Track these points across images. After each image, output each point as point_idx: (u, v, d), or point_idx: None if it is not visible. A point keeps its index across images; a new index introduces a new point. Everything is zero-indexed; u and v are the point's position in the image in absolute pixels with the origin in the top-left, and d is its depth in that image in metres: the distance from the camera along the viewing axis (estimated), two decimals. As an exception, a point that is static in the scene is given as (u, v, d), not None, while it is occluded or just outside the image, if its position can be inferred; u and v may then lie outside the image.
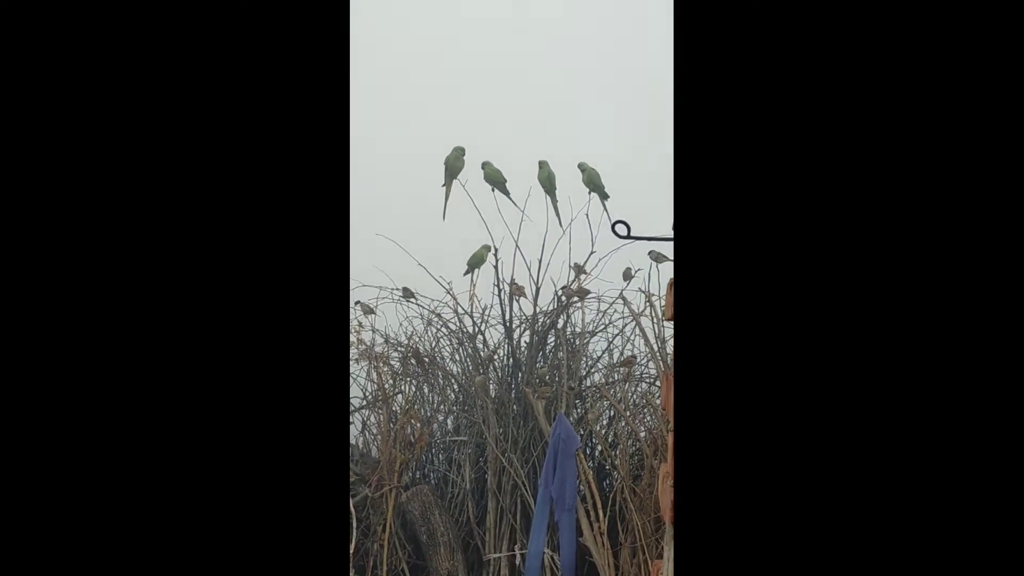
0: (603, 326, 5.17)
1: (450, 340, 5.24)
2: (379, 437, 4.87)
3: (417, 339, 5.22)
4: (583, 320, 5.19)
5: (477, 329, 5.13)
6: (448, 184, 4.80)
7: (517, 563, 4.31)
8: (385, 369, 5.04)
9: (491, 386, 4.99)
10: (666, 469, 2.03)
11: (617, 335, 5.13)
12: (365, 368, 4.96)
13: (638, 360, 4.95)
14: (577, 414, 4.95)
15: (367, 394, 5.02)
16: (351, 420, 4.90)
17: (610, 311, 5.11)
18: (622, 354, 5.09)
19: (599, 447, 4.88)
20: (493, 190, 4.83)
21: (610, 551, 4.13)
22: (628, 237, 2.19)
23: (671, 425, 1.96)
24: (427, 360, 5.17)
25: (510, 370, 5.03)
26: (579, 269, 4.97)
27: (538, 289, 4.95)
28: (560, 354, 5.00)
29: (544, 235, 4.86)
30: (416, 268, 4.88)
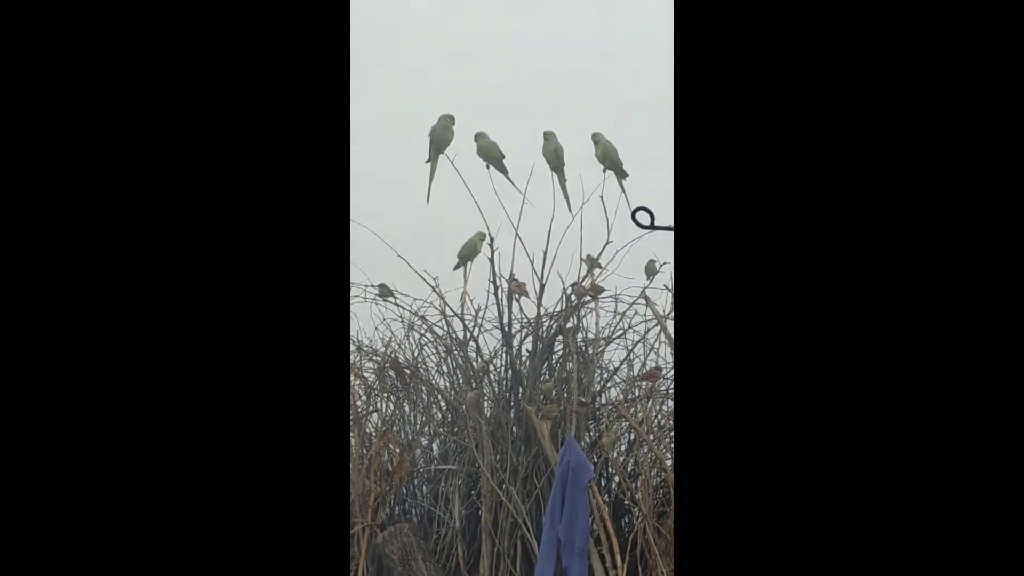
0: (621, 331, 4.97)
1: (436, 348, 5.06)
2: (350, 465, 4.55)
3: (396, 346, 5.03)
4: (597, 324, 4.95)
5: (469, 334, 4.92)
6: (434, 159, 4.56)
7: None
8: (358, 383, 4.81)
9: (486, 404, 4.77)
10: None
11: (638, 342, 4.94)
12: None
13: (664, 372, 4.73)
14: (590, 437, 4.76)
15: None
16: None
17: (630, 313, 4.93)
18: (644, 365, 4.90)
19: (616, 478, 4.67)
20: (488, 167, 4.60)
21: (630, 605, 4.01)
22: (651, 227, 2.23)
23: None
24: (408, 372, 4.97)
25: (509, 384, 4.84)
26: (592, 262, 4.74)
27: (543, 286, 4.73)
28: (569, 365, 4.79)
29: (550, 221, 4.63)
30: (395, 260, 4.68)
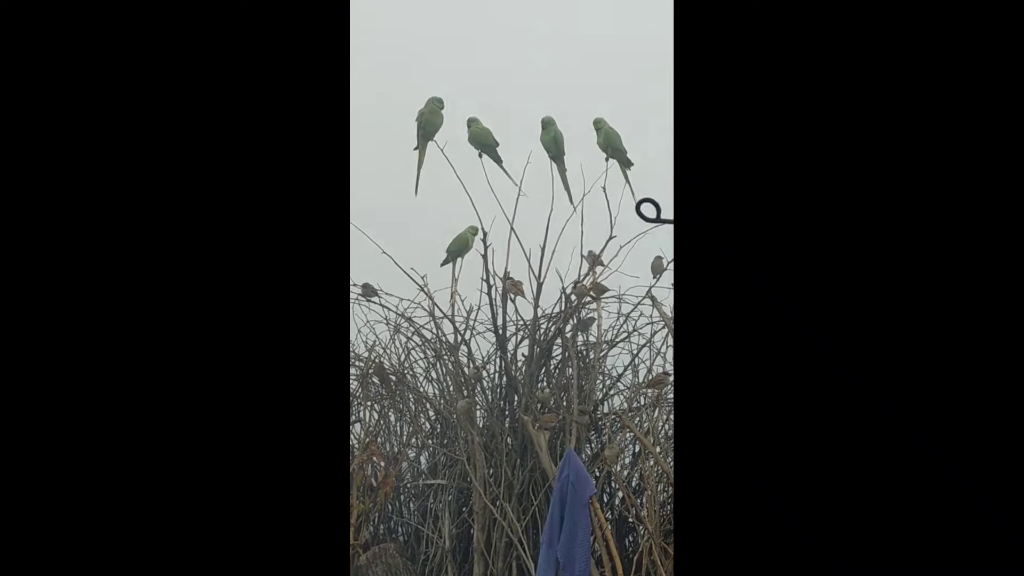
0: (625, 334, 4.95)
1: (424, 352, 5.04)
2: None
3: (381, 350, 5.00)
4: (599, 326, 4.92)
5: (460, 338, 4.88)
6: (422, 147, 4.53)
7: None
8: None
9: (478, 413, 4.75)
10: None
11: (644, 346, 4.92)
12: None
13: (671, 379, 4.67)
14: (591, 450, 4.74)
15: None
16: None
17: (635, 315, 4.91)
18: (650, 371, 4.90)
19: (620, 493, 4.66)
20: (481, 155, 4.58)
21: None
22: (657, 220, 2.24)
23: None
24: (394, 378, 4.94)
25: (503, 392, 4.82)
26: (594, 259, 4.71)
27: (540, 285, 4.70)
28: (569, 371, 4.76)
29: (548, 215, 4.59)
30: (379, 257, 4.65)
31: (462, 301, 4.85)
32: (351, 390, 4.85)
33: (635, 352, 4.95)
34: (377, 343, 5.00)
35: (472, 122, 4.57)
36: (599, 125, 4.51)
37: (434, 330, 4.94)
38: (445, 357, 4.93)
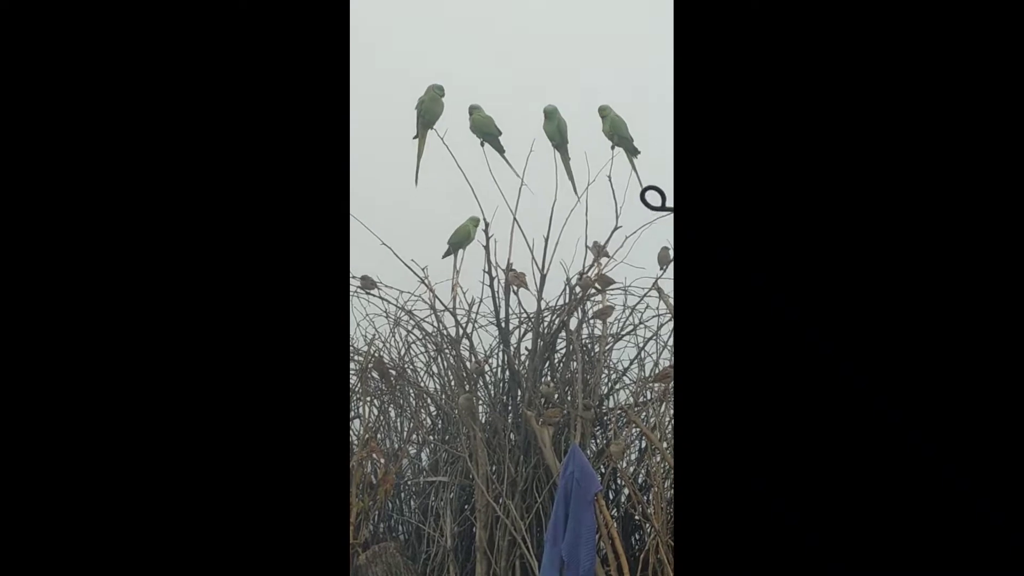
0: (631, 327, 4.93)
1: (425, 346, 5.01)
2: None
3: (381, 344, 4.97)
4: (604, 319, 4.90)
5: (461, 331, 4.86)
6: (422, 136, 4.52)
7: None
8: None
9: (480, 408, 4.74)
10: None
11: (650, 339, 4.89)
12: None
13: None
14: (596, 446, 4.73)
15: None
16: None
17: (641, 307, 4.89)
18: (657, 365, 4.86)
19: (626, 490, 4.67)
20: (483, 144, 4.56)
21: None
22: (663, 208, 2.24)
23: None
24: (394, 373, 4.92)
25: (506, 387, 4.80)
26: (599, 250, 4.69)
27: (544, 277, 4.68)
28: (573, 365, 4.74)
29: (552, 205, 4.57)
30: (379, 249, 4.62)
31: (464, 293, 4.83)
32: (350, 385, 4.83)
33: (641, 345, 4.93)
34: (377, 337, 4.98)
35: (474, 110, 4.56)
36: (604, 112, 4.49)
37: (435, 323, 4.92)
38: (446, 351, 4.92)
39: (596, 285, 4.75)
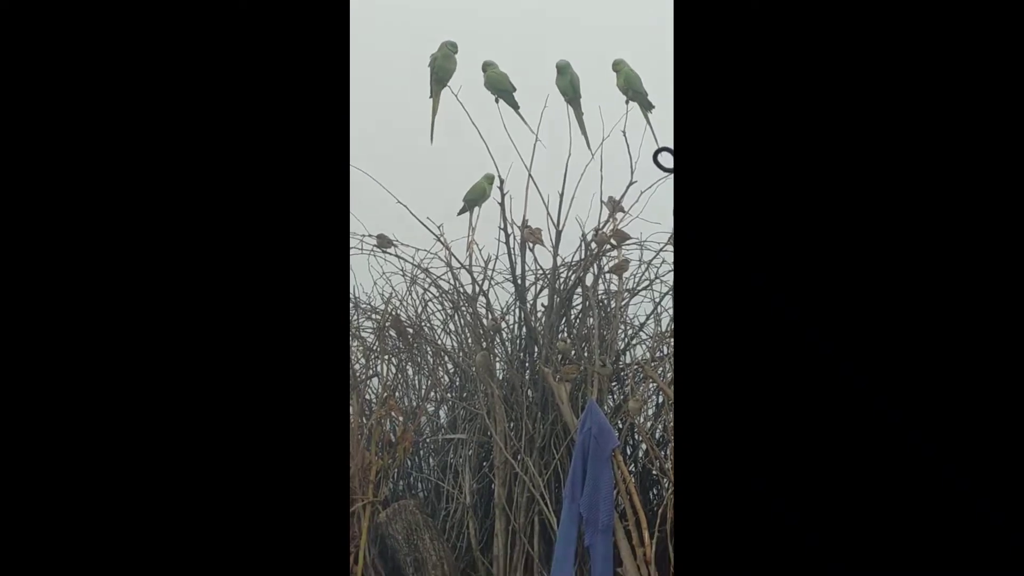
0: (648, 282, 4.88)
1: (442, 304, 4.99)
2: (348, 436, 4.43)
3: (398, 302, 4.94)
4: (621, 275, 4.84)
5: (478, 288, 4.83)
6: (436, 94, 4.47)
7: None
8: (355, 344, 4.73)
9: (498, 365, 4.71)
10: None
11: (667, 294, 4.83)
12: None
13: None
14: (614, 401, 4.69)
15: None
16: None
17: (657, 262, 4.85)
18: (673, 320, 4.68)
19: (643, 446, 4.59)
20: (497, 101, 4.51)
21: (659, 586, 3.90)
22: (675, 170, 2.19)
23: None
24: (411, 331, 4.89)
25: (523, 343, 4.76)
26: (615, 206, 4.64)
27: (559, 233, 4.64)
28: (590, 321, 4.70)
29: (567, 161, 4.51)
30: (395, 208, 4.56)
31: (480, 251, 4.79)
32: (368, 344, 4.81)
33: (658, 300, 4.86)
34: (394, 295, 4.93)
35: (488, 66, 4.50)
36: (619, 67, 4.43)
37: (451, 281, 4.88)
38: (463, 308, 4.87)
39: (612, 240, 4.70)
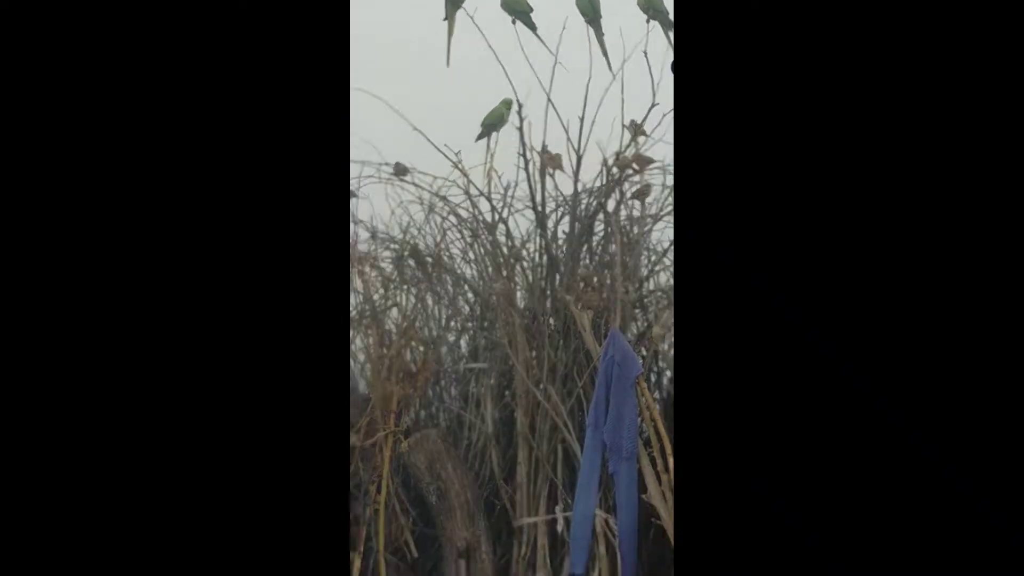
0: (671, 206, 4.72)
1: (461, 232, 4.93)
2: (368, 367, 4.53)
3: (416, 232, 4.94)
4: (643, 200, 4.79)
5: (497, 216, 4.78)
6: (451, 15, 4.40)
7: (559, 529, 4.08)
8: (373, 274, 4.73)
9: (519, 294, 4.69)
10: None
11: None
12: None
13: None
14: (637, 328, 4.66)
15: (350, 310, 4.63)
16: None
17: None
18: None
19: (668, 372, 4.59)
20: (515, 22, 4.44)
21: (684, 512, 3.87)
22: None
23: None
24: (430, 260, 4.88)
25: (544, 271, 4.72)
26: (636, 129, 4.54)
27: (580, 158, 4.57)
28: (612, 247, 4.63)
29: (587, 83, 4.45)
30: (411, 134, 4.51)
31: (499, 178, 4.73)
32: (387, 274, 4.81)
33: None
34: (412, 224, 4.91)
35: None
36: None
37: (470, 209, 4.84)
38: (482, 237, 4.84)
39: (634, 165, 4.62)
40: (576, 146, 4.57)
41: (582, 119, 4.51)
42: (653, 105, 4.45)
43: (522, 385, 4.34)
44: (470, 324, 4.95)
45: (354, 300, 4.67)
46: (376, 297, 4.68)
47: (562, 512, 4.06)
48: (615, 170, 4.65)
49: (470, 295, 4.97)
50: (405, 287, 4.90)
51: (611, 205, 4.75)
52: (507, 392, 4.58)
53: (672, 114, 4.42)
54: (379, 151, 4.70)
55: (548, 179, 4.66)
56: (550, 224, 4.74)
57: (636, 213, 4.82)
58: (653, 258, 4.85)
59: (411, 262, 4.88)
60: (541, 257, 4.77)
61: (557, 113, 4.54)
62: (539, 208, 4.68)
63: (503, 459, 4.41)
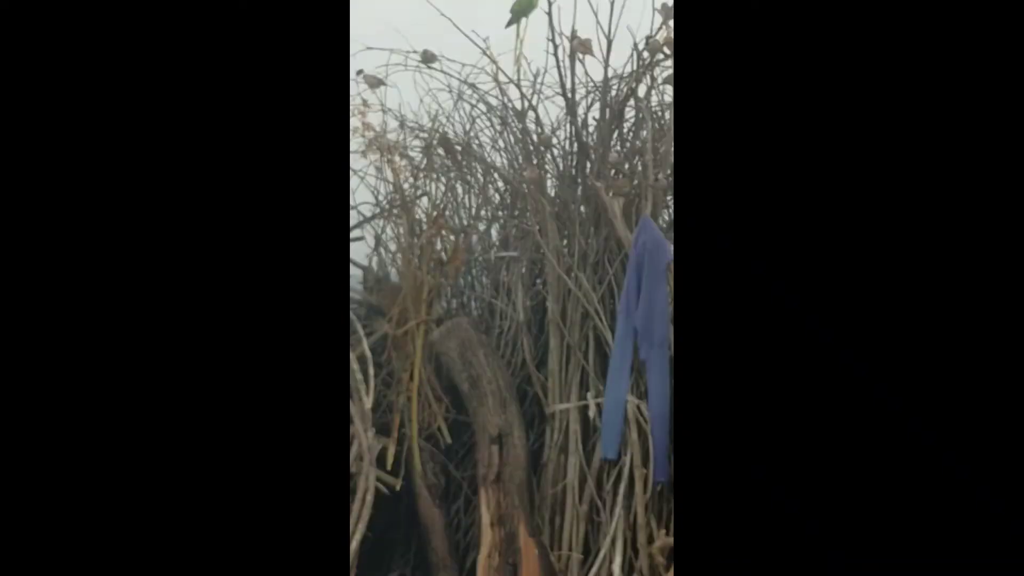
0: None
1: (490, 120, 4.92)
2: (399, 256, 4.58)
3: (445, 120, 4.89)
4: (673, 83, 4.57)
5: (527, 103, 4.74)
6: None
7: (591, 416, 4.07)
8: (403, 163, 4.65)
9: (549, 182, 4.67)
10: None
11: None
12: (375, 163, 4.61)
13: None
14: (668, 215, 4.60)
15: (380, 199, 4.71)
16: (360, 235, 4.56)
17: None
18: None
19: None
20: None
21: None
22: None
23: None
24: (460, 148, 4.84)
25: (574, 159, 4.68)
26: (667, 12, 4.46)
27: (610, 43, 4.50)
28: (643, 133, 4.59)
29: None
30: (439, 20, 4.44)
31: (528, 64, 4.68)
32: (416, 163, 4.77)
33: None
34: (440, 112, 4.88)
35: None
36: None
37: (499, 96, 4.81)
38: (512, 124, 4.82)
39: (664, 49, 4.54)
40: (606, 30, 4.49)
41: (612, 3, 4.43)
42: (685, -14, 4.37)
43: (553, 273, 4.35)
44: (500, 212, 4.96)
45: (384, 189, 4.70)
46: (406, 186, 4.66)
47: (594, 398, 4.09)
48: (646, 54, 4.58)
49: (500, 183, 4.96)
50: (435, 176, 4.88)
51: (642, 90, 4.69)
52: (538, 280, 4.60)
53: None
54: (407, 38, 4.64)
55: (578, 65, 4.59)
56: (580, 110, 4.69)
57: (667, 98, 4.75)
58: (685, 144, 4.78)
59: (440, 151, 4.85)
60: (571, 144, 4.73)
61: (587, -5, 4.44)
62: (569, 94, 4.63)
63: (534, 347, 4.44)
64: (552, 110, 4.80)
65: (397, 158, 4.63)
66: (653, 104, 4.72)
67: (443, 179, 4.92)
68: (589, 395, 4.13)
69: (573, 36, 4.51)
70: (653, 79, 4.71)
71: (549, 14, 4.48)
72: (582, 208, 4.51)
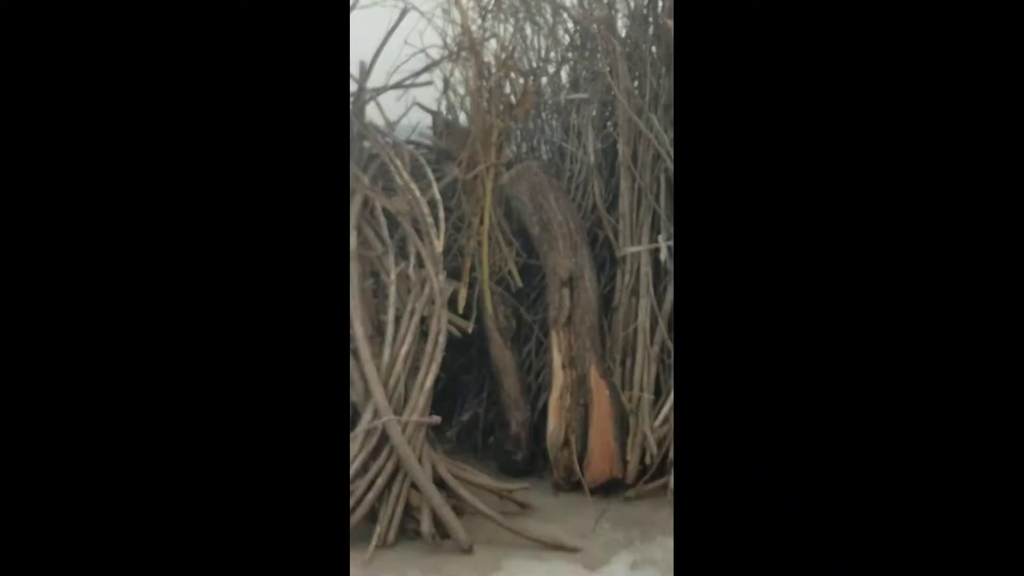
0: None
1: None
2: (468, 99, 4.55)
3: None
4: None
5: None
6: None
7: (662, 259, 4.12)
8: (470, 5, 4.59)
9: (619, 21, 4.59)
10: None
11: None
12: (442, 5, 4.54)
13: None
14: None
15: (447, 41, 4.59)
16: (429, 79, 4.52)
17: None
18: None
19: None
20: None
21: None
22: None
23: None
24: None
25: None
26: None
27: None
28: None
29: None
30: None
31: None
32: (484, 3, 4.70)
33: None
34: None
35: None
36: None
37: None
38: None
39: None
40: None
41: None
42: None
43: (624, 114, 4.32)
44: (570, 54, 4.90)
45: (451, 32, 4.64)
46: (474, 28, 4.59)
47: (665, 241, 4.11)
48: None
49: (570, 24, 4.88)
50: (503, 17, 4.80)
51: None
52: (608, 122, 4.57)
53: None
54: None
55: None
56: (651, -54, 4.55)
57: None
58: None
59: (508, -10, 4.74)
60: (644, -19, 4.60)
61: None
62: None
63: (605, 189, 4.44)
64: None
65: (465, 0, 4.57)
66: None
67: (512, 20, 4.85)
68: (660, 237, 4.15)
69: None
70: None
71: None
72: (653, 48, 4.43)
